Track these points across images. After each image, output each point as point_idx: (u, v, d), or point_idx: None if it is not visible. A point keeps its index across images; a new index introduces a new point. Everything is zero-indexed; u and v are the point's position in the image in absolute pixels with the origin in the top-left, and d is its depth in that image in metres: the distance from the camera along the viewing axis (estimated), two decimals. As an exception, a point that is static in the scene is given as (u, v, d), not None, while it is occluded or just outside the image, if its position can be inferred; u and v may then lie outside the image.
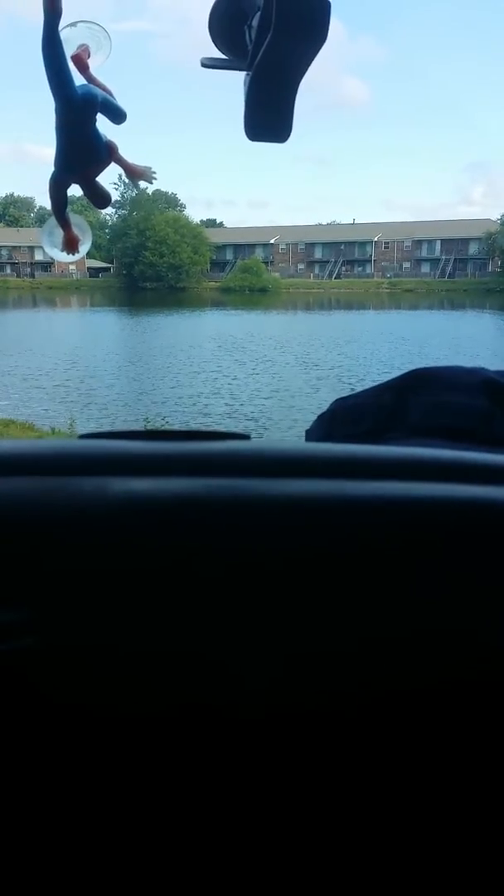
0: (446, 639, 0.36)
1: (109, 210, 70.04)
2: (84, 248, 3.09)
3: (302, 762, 0.36)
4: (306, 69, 1.16)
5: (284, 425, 10.30)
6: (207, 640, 0.34)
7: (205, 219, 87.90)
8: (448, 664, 0.36)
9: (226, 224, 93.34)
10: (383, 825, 0.37)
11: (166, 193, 77.78)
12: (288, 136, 1.22)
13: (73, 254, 3.06)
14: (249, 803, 0.36)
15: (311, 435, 0.69)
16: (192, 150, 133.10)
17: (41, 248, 3.25)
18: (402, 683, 0.36)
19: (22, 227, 73.31)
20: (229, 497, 0.35)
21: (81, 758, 0.35)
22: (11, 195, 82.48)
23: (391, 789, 0.37)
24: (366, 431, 0.64)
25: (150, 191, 70.45)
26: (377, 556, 0.35)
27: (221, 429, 0.42)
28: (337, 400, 0.69)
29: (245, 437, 0.41)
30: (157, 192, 74.61)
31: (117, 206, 67.70)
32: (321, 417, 0.69)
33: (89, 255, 73.60)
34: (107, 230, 73.27)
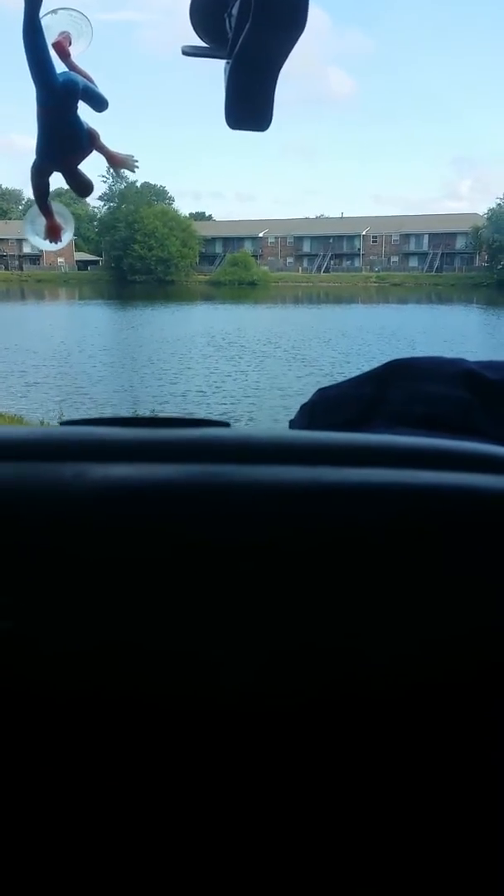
0: (434, 629, 0.36)
1: (98, 203, 69.77)
2: (66, 236, 3.09)
3: (293, 757, 0.36)
4: (286, 58, 1.17)
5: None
6: (187, 628, 0.34)
7: (194, 212, 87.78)
8: (434, 655, 0.36)
9: (214, 217, 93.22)
10: (374, 825, 0.37)
11: (155, 186, 77.49)
12: (268, 124, 1.24)
13: (56, 242, 3.06)
14: (240, 799, 0.36)
15: (295, 424, 0.71)
16: (179, 142, 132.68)
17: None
18: (389, 677, 0.36)
19: (10, 219, 72.84)
20: (209, 483, 0.35)
21: (52, 748, 0.35)
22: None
23: (386, 788, 0.37)
24: (347, 421, 0.65)
25: (138, 183, 70.28)
26: (358, 542, 0.36)
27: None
28: (319, 390, 0.71)
29: (225, 424, 0.40)
30: (146, 185, 74.36)
31: (106, 198, 67.47)
32: (304, 407, 0.71)
33: (78, 247, 73.32)
34: (95, 223, 72.99)
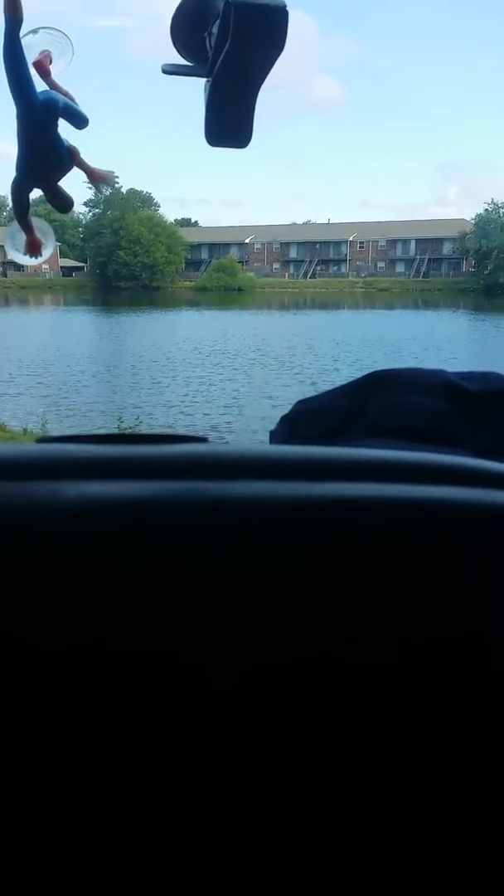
0: (414, 639, 0.36)
1: (83, 209, 69.65)
2: (47, 251, 3.12)
3: (290, 762, 0.36)
4: (265, 76, 1.17)
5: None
6: (164, 639, 0.34)
7: (179, 218, 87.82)
8: (415, 667, 0.36)
9: (200, 223, 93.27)
10: (371, 831, 0.37)
11: (141, 192, 77.59)
12: (248, 141, 1.24)
13: (36, 257, 3.08)
14: (238, 802, 0.36)
15: (276, 435, 0.70)
16: (164, 148, 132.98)
17: (11, 247, 3.28)
18: (373, 685, 0.36)
19: (-6, 225, 72.66)
20: (187, 499, 0.35)
21: (51, 751, 0.35)
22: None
23: (383, 793, 0.37)
24: (326, 432, 0.64)
25: (124, 189, 70.27)
26: (336, 556, 0.36)
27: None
28: (299, 402, 0.70)
29: (203, 439, 0.40)
30: (132, 191, 74.43)
31: (91, 204, 67.38)
32: (284, 419, 0.70)
33: (62, 254, 73.19)
34: (80, 229, 72.86)
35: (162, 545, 0.34)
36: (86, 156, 2.87)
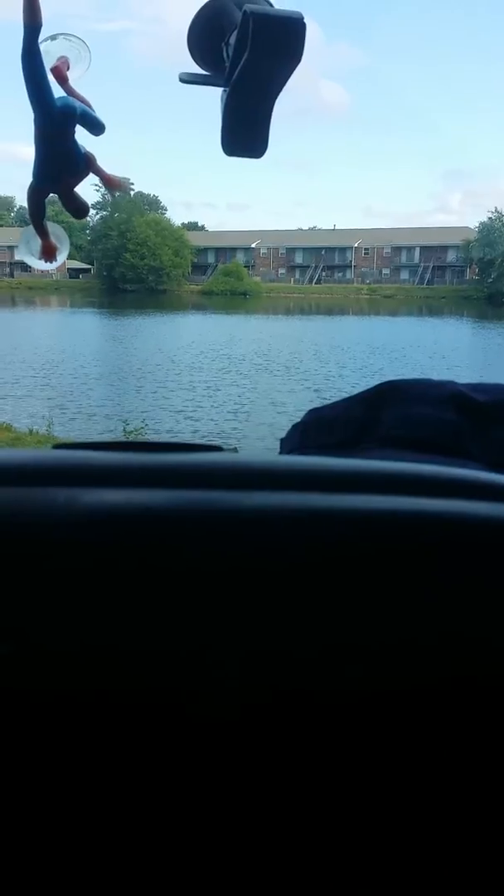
0: (425, 648, 0.36)
1: (91, 211, 69.68)
2: (62, 256, 3.14)
3: (290, 761, 0.36)
4: (282, 87, 1.18)
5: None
6: (175, 645, 0.35)
7: (186, 221, 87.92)
8: (424, 675, 0.36)
9: (207, 227, 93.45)
10: (372, 830, 0.37)
11: (148, 195, 77.70)
12: (264, 151, 1.24)
13: (51, 262, 3.11)
14: (238, 802, 0.36)
15: (286, 443, 0.71)
16: (170, 152, 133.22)
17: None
18: (381, 691, 0.36)
19: (1, 226, 72.77)
20: (202, 509, 0.35)
21: (51, 750, 0.35)
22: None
23: (384, 793, 0.37)
24: (337, 442, 0.65)
25: (131, 193, 70.34)
26: (348, 567, 0.36)
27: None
28: (311, 410, 0.71)
29: (217, 448, 0.41)
30: (139, 194, 74.48)
31: (98, 207, 67.49)
32: (295, 427, 0.71)
33: (70, 255, 72.75)
34: (87, 231, 72.98)
35: (174, 554, 0.35)
36: (91, 158, 2.88)
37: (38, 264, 3.14)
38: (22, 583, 0.34)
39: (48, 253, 3.06)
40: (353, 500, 0.37)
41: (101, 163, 2.98)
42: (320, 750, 0.36)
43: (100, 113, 2.88)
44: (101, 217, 69.06)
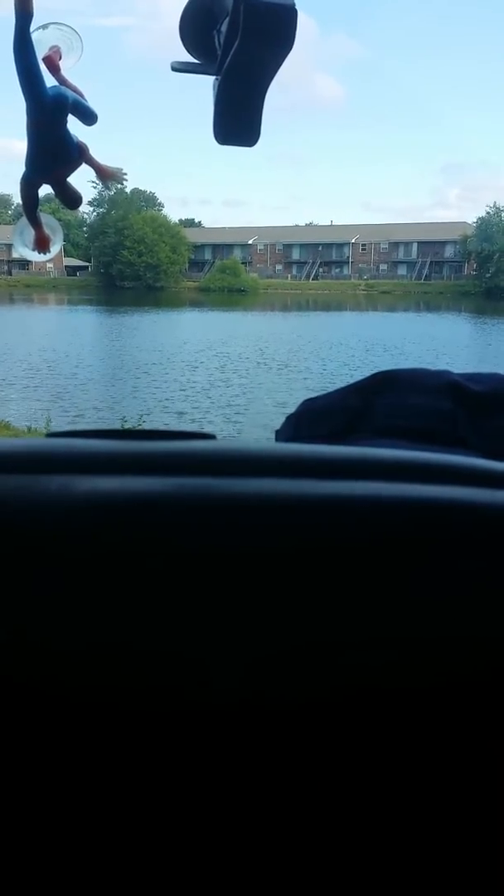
0: (420, 637, 0.36)
1: (87, 208, 69.55)
2: (55, 247, 3.13)
3: (289, 758, 0.36)
4: (274, 74, 1.17)
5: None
6: (171, 633, 0.35)
7: (182, 218, 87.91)
8: (419, 665, 0.36)
9: (203, 223, 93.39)
10: (371, 828, 0.37)
11: (145, 192, 77.63)
12: (256, 140, 1.24)
13: (44, 253, 3.09)
14: (237, 800, 0.36)
15: (281, 434, 0.70)
16: (166, 148, 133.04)
17: (18, 244, 3.29)
18: (378, 682, 0.36)
19: (-2, 224, 72.74)
20: (195, 495, 0.35)
21: (51, 748, 0.35)
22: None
23: (383, 791, 0.37)
24: (332, 432, 0.64)
25: (128, 189, 70.27)
26: (343, 554, 0.36)
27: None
28: (305, 401, 0.70)
29: (211, 436, 0.40)
30: (136, 191, 74.43)
31: (95, 204, 67.44)
32: (289, 418, 0.70)
33: (67, 253, 73.20)
34: (84, 228, 72.93)
35: (168, 541, 0.35)
36: (88, 154, 2.87)
37: (32, 256, 3.12)
38: (15, 571, 0.34)
39: (41, 244, 3.04)
40: (349, 487, 0.37)
41: (98, 159, 2.98)
42: (319, 742, 0.36)
43: (97, 108, 2.88)
44: (98, 214, 69.03)
